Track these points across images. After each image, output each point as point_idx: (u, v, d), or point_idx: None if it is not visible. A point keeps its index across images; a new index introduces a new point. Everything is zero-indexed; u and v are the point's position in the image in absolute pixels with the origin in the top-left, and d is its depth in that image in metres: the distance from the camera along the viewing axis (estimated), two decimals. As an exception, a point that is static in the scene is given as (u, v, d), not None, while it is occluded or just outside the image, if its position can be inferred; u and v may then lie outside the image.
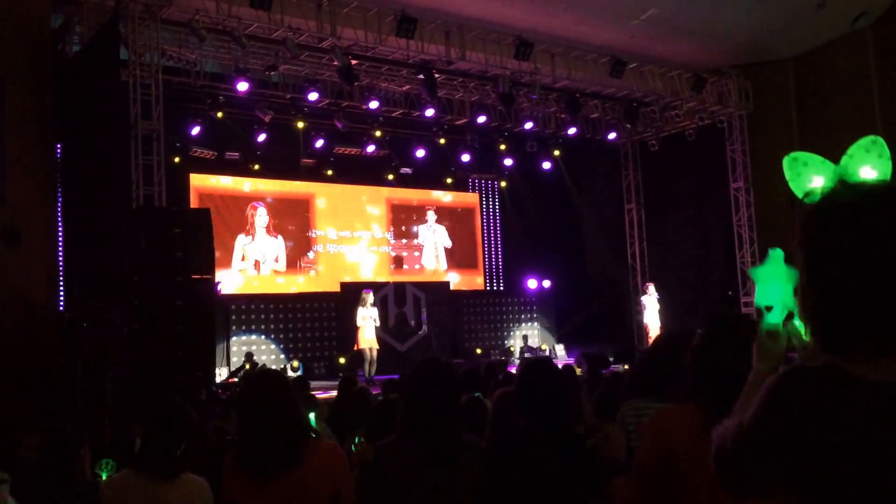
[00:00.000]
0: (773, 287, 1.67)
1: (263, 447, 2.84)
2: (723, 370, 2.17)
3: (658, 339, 3.67)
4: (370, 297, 13.23)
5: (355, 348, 13.17)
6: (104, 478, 4.36)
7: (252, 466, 2.85)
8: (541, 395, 3.04)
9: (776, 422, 1.37)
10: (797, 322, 1.63)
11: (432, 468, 2.93)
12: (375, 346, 13.07)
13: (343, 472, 2.94)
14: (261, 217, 15.55)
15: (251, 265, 15.43)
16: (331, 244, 16.55)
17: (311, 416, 4.84)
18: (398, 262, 17.21)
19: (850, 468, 1.28)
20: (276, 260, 15.71)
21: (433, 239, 17.87)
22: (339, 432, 5.52)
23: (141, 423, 3.83)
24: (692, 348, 2.32)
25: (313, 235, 16.34)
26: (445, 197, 18.31)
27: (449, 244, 18.01)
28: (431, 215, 17.94)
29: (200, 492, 3.26)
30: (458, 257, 18.17)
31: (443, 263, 17.90)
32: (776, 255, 1.73)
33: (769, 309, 1.65)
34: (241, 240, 15.28)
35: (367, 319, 13.08)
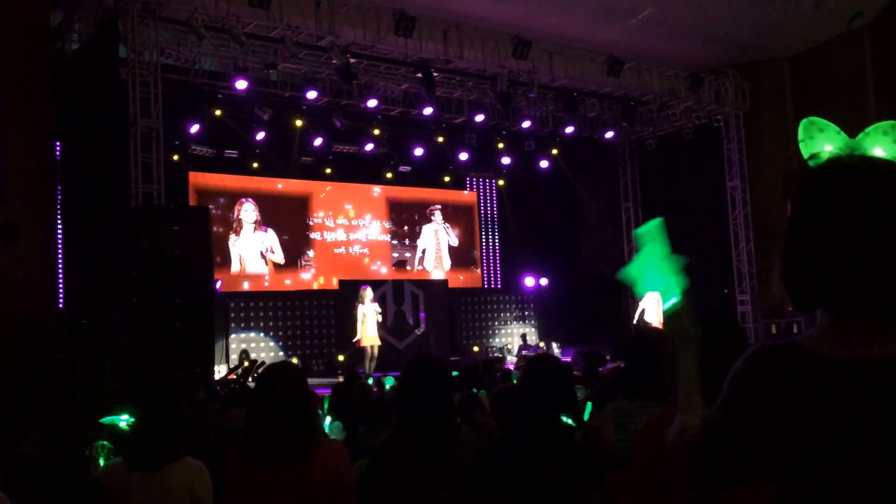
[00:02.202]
0: (655, 274, 1.68)
1: (275, 439, 2.86)
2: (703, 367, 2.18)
3: (633, 338, 3.70)
4: (369, 294, 13.25)
5: (358, 345, 13.20)
6: (101, 462, 4.40)
7: (261, 457, 2.88)
8: (544, 391, 3.09)
9: (745, 401, 1.38)
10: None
11: (428, 463, 2.96)
12: (377, 342, 13.10)
13: (344, 468, 2.99)
14: (246, 213, 15.52)
15: (253, 262, 15.47)
16: (329, 242, 16.59)
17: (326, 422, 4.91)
18: (401, 265, 17.25)
19: (818, 449, 1.30)
20: (272, 251, 15.73)
21: (435, 240, 17.92)
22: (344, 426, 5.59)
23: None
24: (668, 350, 2.31)
25: (311, 233, 16.38)
26: (443, 195, 18.35)
27: (455, 242, 18.08)
28: (438, 215, 17.99)
29: (199, 473, 3.31)
30: (456, 255, 18.23)
31: (447, 263, 17.97)
32: (647, 233, 1.75)
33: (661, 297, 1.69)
34: (233, 240, 15.29)
35: (369, 316, 13.08)
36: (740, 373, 1.41)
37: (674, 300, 1.69)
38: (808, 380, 1.32)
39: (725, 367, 2.10)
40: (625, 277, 1.76)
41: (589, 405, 4.93)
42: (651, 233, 1.76)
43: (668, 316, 1.72)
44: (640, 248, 1.76)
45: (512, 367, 12.18)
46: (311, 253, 16.27)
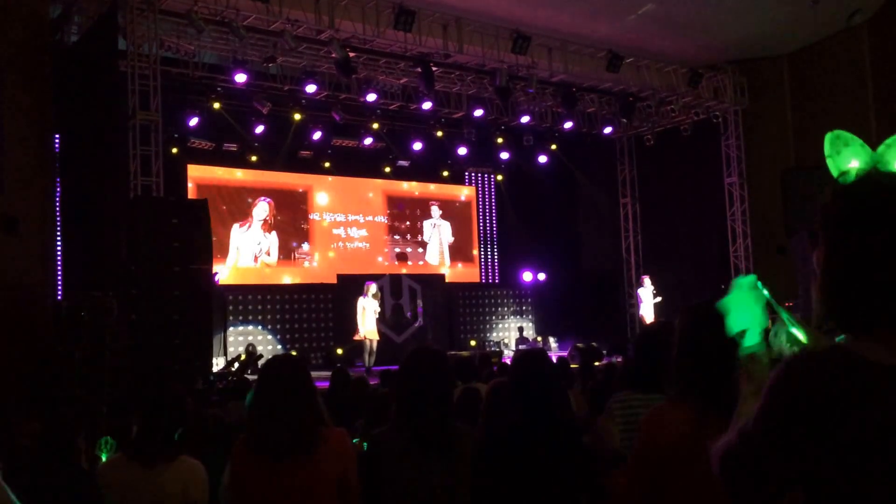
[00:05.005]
0: (743, 313, 1.70)
1: (278, 431, 2.87)
2: (704, 363, 2.21)
3: (643, 331, 3.72)
4: (373, 288, 13.23)
5: (355, 338, 13.22)
6: (104, 458, 4.42)
7: (264, 449, 2.89)
8: (533, 387, 3.10)
9: (786, 407, 1.36)
10: (787, 328, 1.66)
11: (425, 457, 2.97)
12: (376, 336, 13.10)
13: (350, 458, 3.00)
14: (260, 211, 15.60)
15: (246, 257, 15.49)
16: (327, 236, 16.61)
17: None
18: (402, 257, 17.30)
19: (866, 454, 1.29)
20: (268, 253, 15.75)
21: (438, 235, 17.97)
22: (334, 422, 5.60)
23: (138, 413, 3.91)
24: (672, 344, 2.34)
25: (310, 227, 16.39)
26: (442, 190, 18.38)
27: (451, 240, 18.13)
28: (436, 210, 18.03)
29: (195, 473, 3.34)
30: (454, 250, 18.27)
31: (447, 259, 18.04)
32: (742, 282, 1.74)
33: (743, 334, 1.68)
34: (235, 230, 15.32)
35: (368, 310, 13.09)
36: (783, 381, 1.38)
37: (754, 343, 1.67)
38: (857, 383, 1.32)
39: (724, 362, 2.15)
40: (721, 308, 1.74)
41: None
42: (749, 284, 1.77)
43: (748, 357, 1.68)
44: (737, 291, 1.74)
45: (509, 361, 12.22)
46: (306, 247, 16.29)
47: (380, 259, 17.16)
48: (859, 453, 1.29)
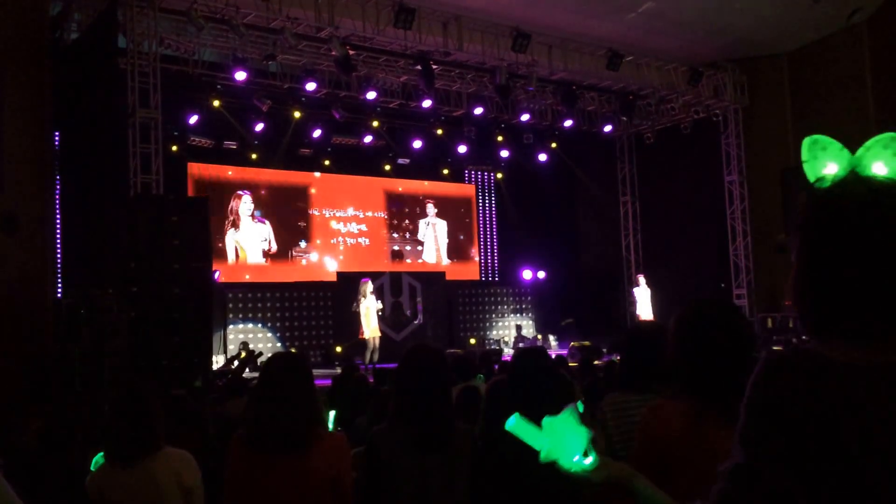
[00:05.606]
0: (561, 440, 1.60)
1: (274, 428, 2.88)
2: (702, 359, 2.22)
3: (631, 331, 3.71)
4: (369, 287, 13.27)
5: (360, 337, 13.25)
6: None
7: (261, 446, 2.90)
8: (533, 383, 3.11)
9: (766, 416, 1.36)
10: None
11: (424, 454, 2.97)
12: (378, 334, 13.14)
13: (344, 459, 3.01)
14: (245, 205, 15.60)
15: (255, 254, 15.52)
16: (327, 233, 16.61)
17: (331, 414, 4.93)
18: (398, 255, 17.32)
19: (850, 454, 1.28)
20: (269, 245, 15.77)
21: (433, 233, 17.99)
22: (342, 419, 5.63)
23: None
24: (670, 340, 2.34)
25: (310, 225, 16.39)
26: (442, 188, 18.39)
27: (447, 238, 18.15)
28: (431, 209, 18.04)
29: (184, 460, 3.31)
30: (454, 248, 18.28)
31: (444, 258, 18.06)
32: (520, 423, 1.67)
33: (582, 457, 1.60)
34: (231, 235, 15.33)
35: (372, 310, 13.12)
36: (755, 392, 1.38)
37: (590, 457, 1.60)
38: (829, 383, 1.32)
39: (723, 357, 2.15)
40: (547, 460, 1.65)
41: (580, 402, 4.96)
42: (520, 419, 1.67)
43: (597, 473, 1.63)
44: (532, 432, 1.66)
45: (509, 359, 12.21)
46: (303, 244, 16.29)
47: (380, 257, 17.16)
48: (838, 455, 1.29)
